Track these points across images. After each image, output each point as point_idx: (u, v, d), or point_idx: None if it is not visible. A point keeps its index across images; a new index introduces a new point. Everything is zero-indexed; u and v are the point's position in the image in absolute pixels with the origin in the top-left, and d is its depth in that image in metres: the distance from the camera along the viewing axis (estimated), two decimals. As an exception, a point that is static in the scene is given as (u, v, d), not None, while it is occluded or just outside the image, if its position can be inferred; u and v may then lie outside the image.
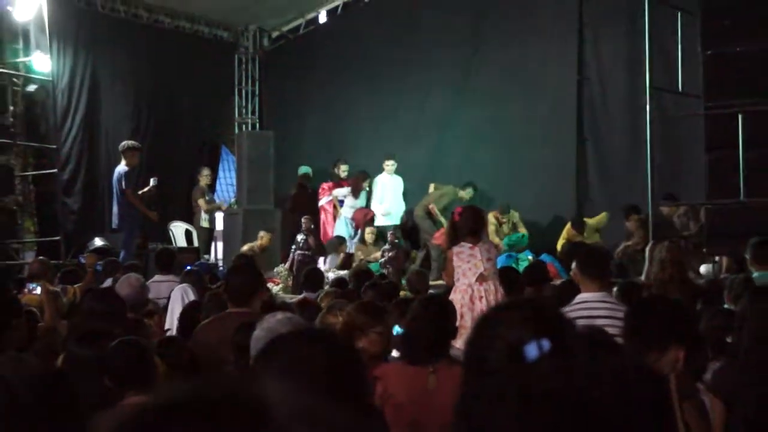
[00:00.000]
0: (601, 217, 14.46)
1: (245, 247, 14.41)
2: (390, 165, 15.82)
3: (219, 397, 0.91)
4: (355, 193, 15.99)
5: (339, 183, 16.47)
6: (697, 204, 11.69)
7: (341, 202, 16.23)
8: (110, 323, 5.00)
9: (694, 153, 11.68)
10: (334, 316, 5.85)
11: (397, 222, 15.70)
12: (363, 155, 16.85)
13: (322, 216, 16.50)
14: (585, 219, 14.46)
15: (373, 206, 15.79)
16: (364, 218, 15.54)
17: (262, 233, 14.69)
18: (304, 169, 16.86)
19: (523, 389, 1.84)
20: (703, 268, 11.88)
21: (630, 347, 3.85)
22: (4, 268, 12.66)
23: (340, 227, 15.95)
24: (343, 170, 16.46)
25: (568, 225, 14.44)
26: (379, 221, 15.58)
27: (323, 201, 16.54)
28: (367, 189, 16.08)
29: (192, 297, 8.08)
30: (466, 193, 15.04)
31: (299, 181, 16.63)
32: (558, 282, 9.26)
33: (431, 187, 15.53)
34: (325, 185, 16.65)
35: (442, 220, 14.30)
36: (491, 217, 14.98)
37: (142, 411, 0.90)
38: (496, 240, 14.23)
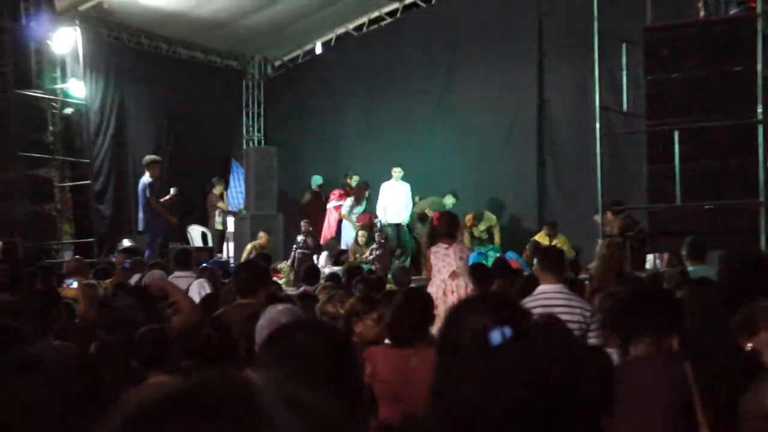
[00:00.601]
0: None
1: (249, 246, 14.42)
2: (396, 172, 15.61)
3: (211, 388, 0.89)
4: (358, 201, 15.89)
5: (349, 191, 16.33)
6: (640, 208, 11.73)
7: (348, 212, 16.03)
8: (141, 314, 5.01)
9: (637, 165, 11.72)
10: (332, 306, 5.89)
11: (401, 222, 15.48)
12: (354, 166, 16.84)
13: (329, 216, 16.40)
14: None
15: (379, 210, 15.54)
16: (370, 221, 15.48)
17: (261, 234, 14.74)
18: (316, 179, 16.83)
19: (488, 368, 1.88)
20: (648, 264, 11.91)
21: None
22: (46, 266, 12.61)
23: (348, 230, 15.88)
24: (354, 180, 16.32)
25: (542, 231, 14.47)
26: (388, 222, 15.36)
27: (331, 204, 16.43)
28: (367, 196, 15.97)
29: (208, 290, 8.09)
30: (448, 201, 15.04)
31: (315, 190, 16.63)
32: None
33: (416, 198, 15.54)
34: (335, 191, 16.53)
35: None
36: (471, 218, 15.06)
37: (143, 402, 0.89)
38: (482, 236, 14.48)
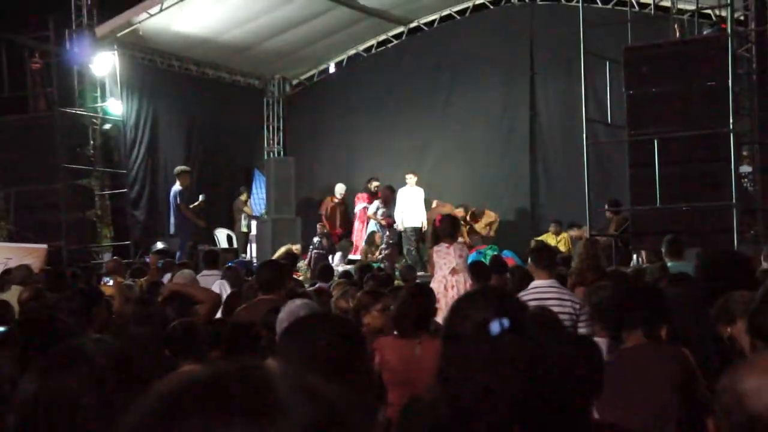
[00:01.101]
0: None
1: (283, 249, 14.13)
2: (409, 178, 15.25)
3: (229, 377, 0.88)
4: (386, 203, 15.47)
5: (372, 195, 16.00)
6: (624, 210, 11.70)
7: (374, 212, 15.60)
8: (172, 310, 5.00)
9: (620, 170, 11.70)
10: (345, 301, 5.87)
11: (418, 225, 15.08)
12: (364, 175, 16.83)
13: (356, 220, 16.13)
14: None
15: (397, 215, 15.18)
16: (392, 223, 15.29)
17: (297, 246, 14.52)
18: (340, 188, 16.62)
19: (489, 355, 1.86)
20: (633, 261, 11.86)
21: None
22: (87, 266, 12.64)
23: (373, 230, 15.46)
24: (375, 185, 16.05)
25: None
26: (402, 226, 15.03)
27: (358, 208, 16.17)
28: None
29: (227, 289, 8.07)
30: (458, 211, 14.94)
31: (339, 197, 16.38)
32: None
33: (434, 203, 15.30)
34: (360, 195, 16.29)
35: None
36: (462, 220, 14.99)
37: (166, 390, 0.88)
38: (483, 231, 14.41)
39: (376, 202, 15.55)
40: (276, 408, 0.85)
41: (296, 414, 0.85)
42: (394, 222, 15.17)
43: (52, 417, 1.62)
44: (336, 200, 16.34)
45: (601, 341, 4.41)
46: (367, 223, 15.72)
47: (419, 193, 15.23)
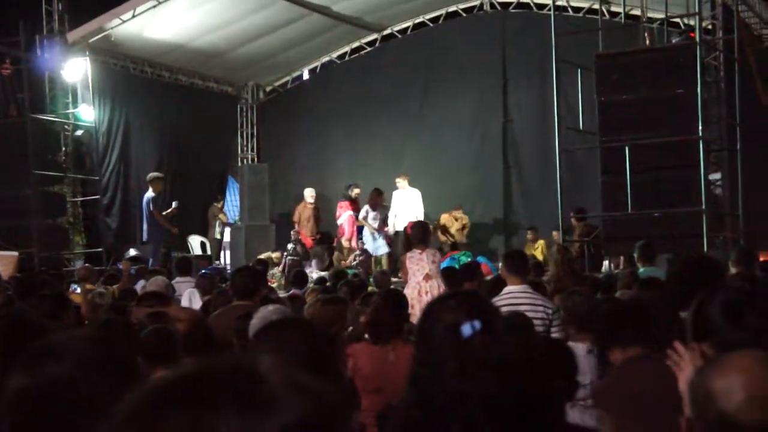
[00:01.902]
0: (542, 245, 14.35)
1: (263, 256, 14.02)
2: (400, 181, 14.92)
3: (222, 369, 0.88)
4: (374, 208, 14.91)
5: (353, 201, 15.48)
6: (596, 216, 11.77)
7: (365, 217, 15.05)
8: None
9: (592, 176, 11.78)
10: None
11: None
12: (339, 181, 16.83)
13: (346, 230, 15.37)
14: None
15: (389, 217, 14.85)
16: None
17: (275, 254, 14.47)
18: (309, 191, 16.31)
19: (460, 357, 1.86)
20: (604, 267, 11.95)
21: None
22: (59, 273, 12.51)
23: (367, 238, 14.96)
24: (355, 192, 15.56)
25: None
26: (394, 229, 14.63)
27: (344, 217, 15.45)
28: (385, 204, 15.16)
29: (197, 298, 8.04)
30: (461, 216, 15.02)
31: (311, 201, 15.96)
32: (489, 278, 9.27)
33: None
34: (341, 203, 15.62)
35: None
36: (450, 217, 14.96)
37: (159, 382, 0.88)
38: (458, 235, 14.54)
39: (366, 207, 15.08)
40: (266, 402, 0.85)
41: (286, 408, 0.85)
42: (386, 226, 14.79)
43: (43, 411, 1.61)
44: (309, 205, 16.09)
45: (578, 346, 4.43)
46: (359, 230, 15.31)
47: (415, 195, 14.85)
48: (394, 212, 14.82)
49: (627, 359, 3.56)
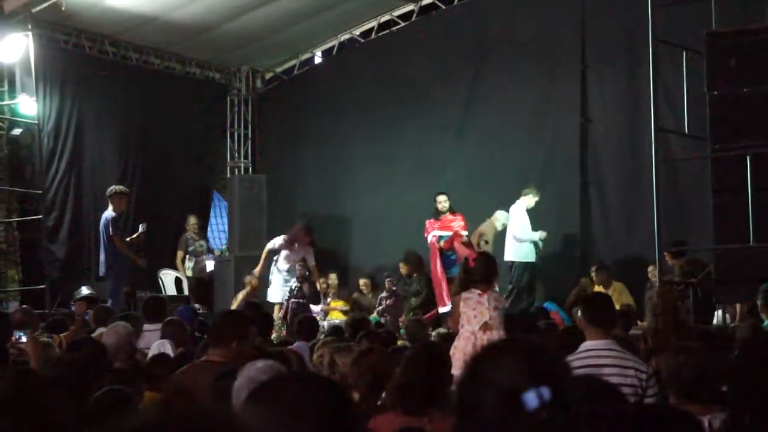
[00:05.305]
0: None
1: (239, 295, 14.34)
2: (440, 200, 14.91)
3: (195, 419, 0.94)
4: (290, 246, 15.23)
5: (441, 218, 15.13)
6: (705, 249, 11.65)
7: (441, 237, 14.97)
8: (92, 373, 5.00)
9: (701, 196, 11.68)
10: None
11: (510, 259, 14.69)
12: (357, 198, 16.84)
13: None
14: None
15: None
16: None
17: (248, 277, 14.63)
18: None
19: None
20: (717, 317, 11.82)
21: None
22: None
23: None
24: (440, 202, 15.06)
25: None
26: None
27: (429, 238, 15.13)
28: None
29: (170, 350, 8.09)
30: (500, 220, 14.84)
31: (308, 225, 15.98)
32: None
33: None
34: (428, 222, 15.25)
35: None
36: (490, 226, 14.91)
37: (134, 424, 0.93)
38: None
39: (280, 241, 15.22)
40: None
41: None
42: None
43: None
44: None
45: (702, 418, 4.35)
46: (444, 258, 14.96)
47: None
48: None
49: None
